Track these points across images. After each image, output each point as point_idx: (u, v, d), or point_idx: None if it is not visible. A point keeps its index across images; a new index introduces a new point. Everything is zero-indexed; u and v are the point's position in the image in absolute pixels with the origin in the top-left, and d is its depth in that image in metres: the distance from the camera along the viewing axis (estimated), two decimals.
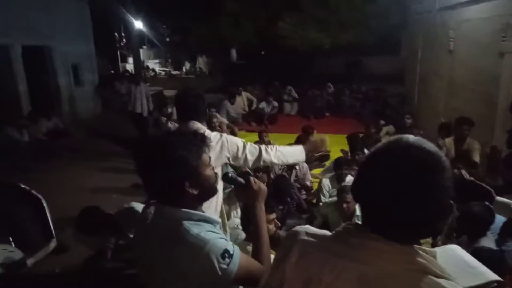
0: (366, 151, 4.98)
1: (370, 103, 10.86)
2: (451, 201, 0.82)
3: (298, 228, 1.00)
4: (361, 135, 6.53)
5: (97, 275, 3.53)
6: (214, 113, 7.43)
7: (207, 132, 2.19)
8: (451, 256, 1.03)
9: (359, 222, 0.91)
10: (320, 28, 11.98)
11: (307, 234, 0.96)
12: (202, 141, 1.31)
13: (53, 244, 3.75)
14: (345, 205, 3.26)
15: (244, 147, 2.29)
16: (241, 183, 1.50)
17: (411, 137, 0.85)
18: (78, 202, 5.22)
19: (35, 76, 8.94)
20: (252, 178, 1.49)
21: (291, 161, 2.55)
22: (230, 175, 1.51)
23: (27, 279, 3.41)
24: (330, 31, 11.99)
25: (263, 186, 1.50)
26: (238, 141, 2.32)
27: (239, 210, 3.49)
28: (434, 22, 8.06)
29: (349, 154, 5.10)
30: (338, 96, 11.81)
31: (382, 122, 8.01)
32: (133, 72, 15.25)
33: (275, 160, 2.36)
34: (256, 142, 5.59)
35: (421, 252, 0.82)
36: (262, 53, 17.01)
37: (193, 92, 2.46)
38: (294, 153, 2.44)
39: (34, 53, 8.70)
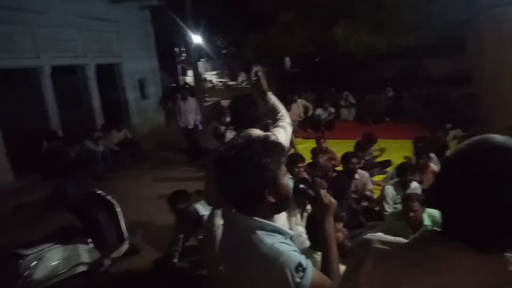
0: (432, 156, 4.73)
1: (432, 106, 10.27)
2: None
3: (371, 236, 0.96)
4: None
5: (166, 276, 3.73)
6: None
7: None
8: None
9: (437, 229, 0.85)
10: (376, 31, 11.62)
11: (381, 242, 0.91)
12: (282, 150, 1.30)
13: (125, 246, 3.97)
14: (411, 214, 3.11)
15: None
16: (311, 196, 1.46)
17: (497, 137, 0.77)
18: (146, 208, 5.61)
19: (106, 92, 9.77)
20: (322, 191, 1.45)
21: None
22: (301, 186, 1.46)
23: (104, 278, 3.70)
24: (387, 34, 11.57)
25: (333, 200, 1.44)
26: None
27: (298, 217, 3.48)
28: (505, 16, 7.47)
29: (414, 159, 4.86)
30: (398, 100, 11.34)
31: (448, 125, 7.53)
32: (192, 85, 15.96)
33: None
34: (313, 149, 5.63)
35: None
36: (316, 60, 16.90)
37: (245, 98, 2.39)
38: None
39: (105, 71, 9.51)
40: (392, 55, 12.62)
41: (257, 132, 2.27)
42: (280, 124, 2.33)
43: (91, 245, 3.68)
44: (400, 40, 11.42)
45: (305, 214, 3.48)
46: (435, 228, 0.86)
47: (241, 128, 2.30)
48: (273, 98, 2.45)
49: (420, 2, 10.31)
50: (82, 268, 3.43)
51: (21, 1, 7.00)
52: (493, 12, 8.37)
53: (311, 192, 1.46)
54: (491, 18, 8.58)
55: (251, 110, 2.31)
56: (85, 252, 3.55)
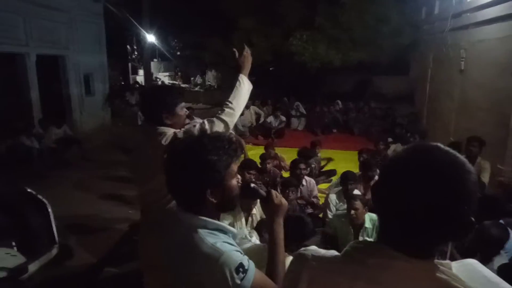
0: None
1: (378, 121, 10.83)
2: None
3: (304, 251, 0.94)
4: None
5: (100, 282, 3.48)
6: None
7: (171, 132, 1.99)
8: (471, 271, 0.98)
9: (367, 239, 0.86)
10: (332, 45, 12.02)
11: (314, 257, 0.90)
12: (234, 150, 1.24)
13: (55, 250, 3.67)
14: (352, 212, 3.19)
15: None
16: (262, 196, 1.43)
17: (430, 143, 0.80)
18: (84, 210, 5.26)
19: (48, 84, 9.08)
20: (274, 192, 1.43)
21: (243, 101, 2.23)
22: (252, 186, 1.43)
23: (28, 285, 3.37)
24: (341, 49, 12.01)
25: (284, 201, 1.43)
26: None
27: (243, 221, 3.43)
28: (445, 42, 8.08)
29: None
30: (346, 113, 11.81)
31: (389, 139, 7.96)
32: (143, 84, 15.45)
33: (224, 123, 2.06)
34: (262, 155, 5.62)
35: (440, 267, 0.77)
36: (271, 69, 17.13)
37: (160, 88, 2.27)
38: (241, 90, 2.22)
39: (48, 62, 8.87)
40: (345, 70, 13.11)
41: (163, 129, 2.02)
42: (220, 116, 2.10)
43: (15, 249, 3.35)
44: (353, 55, 11.91)
45: (250, 219, 3.44)
46: (366, 239, 0.86)
47: (151, 119, 2.09)
48: (239, 84, 2.30)
49: (372, 21, 10.82)
50: (1, 274, 3.09)
51: None
52: (435, 38, 9.04)
53: (262, 192, 1.43)
54: (433, 43, 9.26)
55: (165, 100, 2.07)
56: (7, 256, 3.22)
